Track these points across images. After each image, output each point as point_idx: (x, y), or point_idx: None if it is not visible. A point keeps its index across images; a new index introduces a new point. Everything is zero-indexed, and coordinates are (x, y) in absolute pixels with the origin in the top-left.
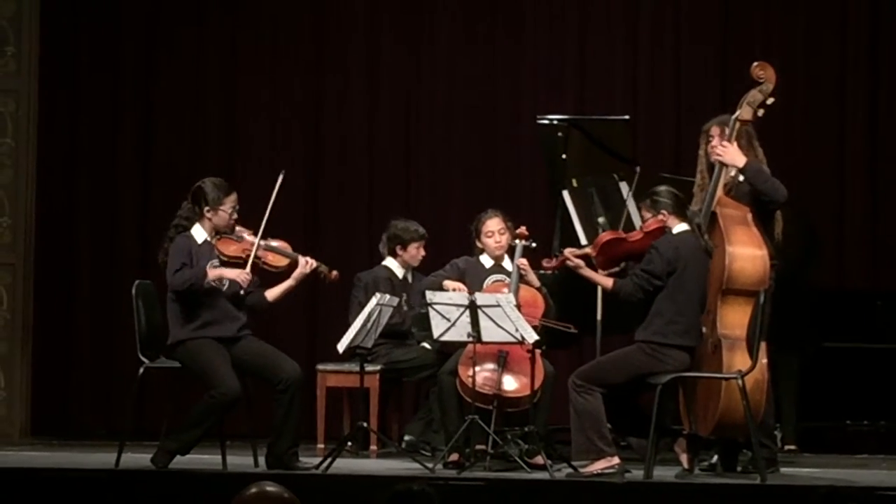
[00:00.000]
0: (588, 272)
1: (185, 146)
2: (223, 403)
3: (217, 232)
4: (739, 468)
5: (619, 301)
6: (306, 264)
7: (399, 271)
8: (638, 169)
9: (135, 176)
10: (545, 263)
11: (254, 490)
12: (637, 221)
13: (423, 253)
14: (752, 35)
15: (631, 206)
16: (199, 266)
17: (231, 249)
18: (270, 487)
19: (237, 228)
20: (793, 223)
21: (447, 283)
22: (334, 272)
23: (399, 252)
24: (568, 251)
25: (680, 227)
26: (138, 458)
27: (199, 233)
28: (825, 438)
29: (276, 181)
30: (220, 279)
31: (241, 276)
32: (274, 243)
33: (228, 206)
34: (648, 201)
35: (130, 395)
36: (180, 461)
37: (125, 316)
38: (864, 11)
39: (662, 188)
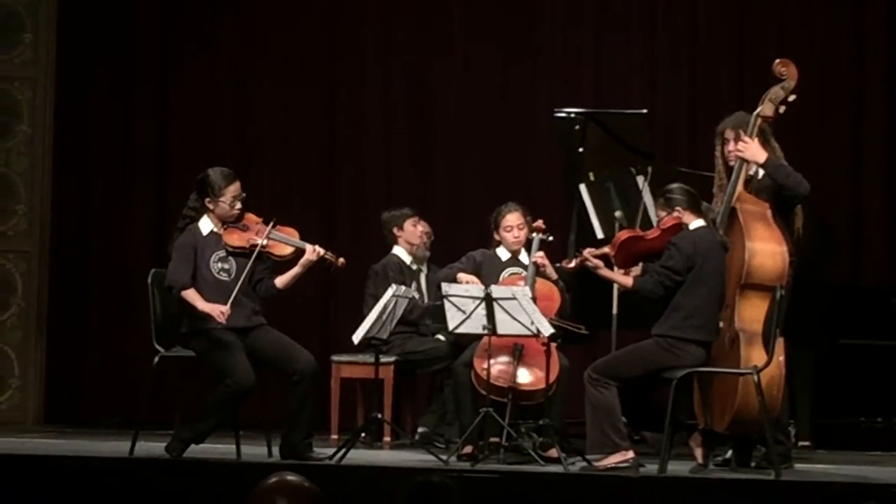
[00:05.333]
0: (607, 272)
1: (201, 134)
2: (237, 393)
3: (224, 222)
4: (754, 464)
5: (640, 298)
6: (312, 252)
7: (407, 257)
8: (650, 169)
9: (150, 164)
10: (565, 264)
11: (274, 479)
12: (654, 215)
13: (422, 227)
14: (768, 29)
15: (647, 199)
16: (186, 274)
17: (235, 240)
18: (291, 477)
19: (247, 216)
20: (808, 220)
21: (460, 276)
22: (340, 259)
23: (399, 235)
24: (587, 252)
25: (696, 222)
26: (152, 447)
27: (205, 224)
28: (839, 435)
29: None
30: (194, 306)
31: (216, 311)
32: (280, 234)
33: (229, 196)
34: (662, 200)
35: (145, 384)
36: (194, 450)
37: (140, 304)
38: (882, 6)
39: (675, 186)
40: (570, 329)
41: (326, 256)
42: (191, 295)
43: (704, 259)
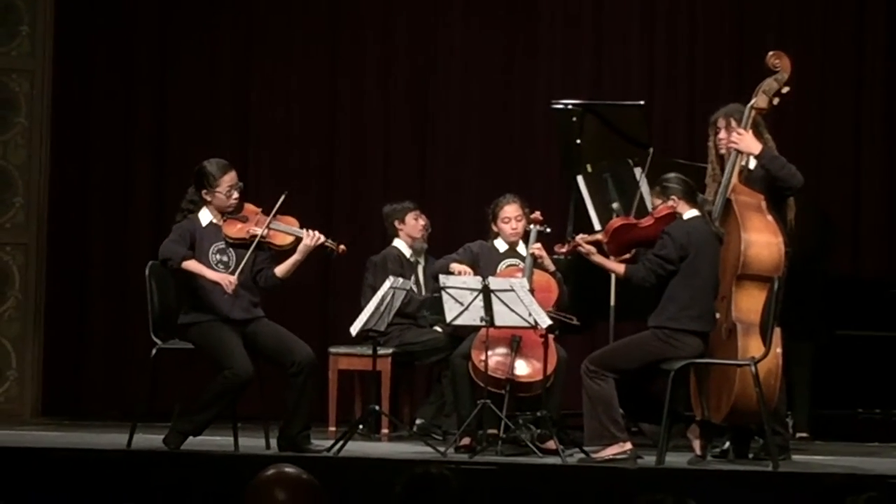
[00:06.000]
0: (599, 258)
1: (200, 127)
2: (236, 384)
3: (223, 213)
4: (751, 455)
5: (632, 286)
6: (311, 238)
7: (407, 250)
8: (651, 150)
9: (148, 156)
10: (557, 249)
11: (272, 471)
12: (650, 205)
13: (423, 221)
14: (767, 20)
15: (644, 189)
16: (183, 248)
17: (234, 231)
18: (289, 469)
19: (246, 206)
20: (807, 213)
21: (453, 266)
22: (341, 246)
23: (400, 228)
24: (580, 237)
25: (691, 212)
26: (150, 439)
27: (205, 216)
28: (837, 426)
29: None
30: (202, 275)
31: (225, 280)
32: (280, 223)
33: (224, 186)
34: (658, 188)
35: (143, 376)
36: (192, 442)
37: (138, 296)
38: (881, 1)
39: (672, 175)
40: (561, 319)
41: (327, 244)
42: (193, 265)
43: (698, 249)
